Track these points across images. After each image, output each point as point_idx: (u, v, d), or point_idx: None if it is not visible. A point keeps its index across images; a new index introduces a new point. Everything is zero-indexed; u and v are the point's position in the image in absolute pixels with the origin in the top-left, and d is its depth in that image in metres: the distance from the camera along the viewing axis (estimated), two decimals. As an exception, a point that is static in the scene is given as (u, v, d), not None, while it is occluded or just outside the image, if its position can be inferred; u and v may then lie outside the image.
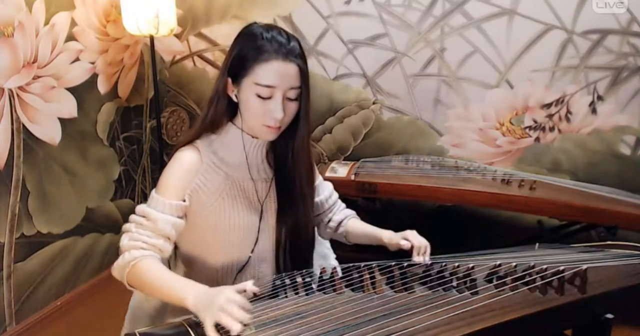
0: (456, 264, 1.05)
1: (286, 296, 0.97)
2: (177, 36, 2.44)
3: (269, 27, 1.01)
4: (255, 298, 0.99)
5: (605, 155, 2.08)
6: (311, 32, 2.28)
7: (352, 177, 1.95)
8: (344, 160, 2.35)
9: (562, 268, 1.00)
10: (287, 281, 1.01)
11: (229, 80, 1.02)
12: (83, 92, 2.11)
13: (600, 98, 2.04)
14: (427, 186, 1.85)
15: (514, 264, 1.03)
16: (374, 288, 0.99)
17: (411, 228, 1.15)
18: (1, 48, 1.71)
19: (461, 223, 2.30)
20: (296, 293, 0.97)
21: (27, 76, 1.82)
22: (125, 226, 1.01)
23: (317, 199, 1.23)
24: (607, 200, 1.79)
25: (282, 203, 1.12)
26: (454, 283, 0.99)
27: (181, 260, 1.15)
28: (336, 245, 1.39)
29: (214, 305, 0.80)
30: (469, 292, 0.97)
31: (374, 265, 1.05)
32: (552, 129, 2.12)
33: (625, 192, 1.90)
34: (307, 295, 0.97)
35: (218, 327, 0.79)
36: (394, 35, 2.19)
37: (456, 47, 2.13)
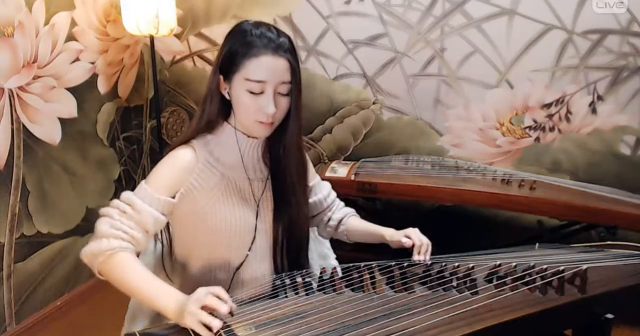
0: (456, 264, 1.05)
1: (286, 296, 0.97)
2: (177, 36, 2.44)
3: (258, 24, 1.02)
4: (255, 298, 0.99)
5: (605, 155, 2.08)
6: (311, 32, 2.27)
7: (352, 177, 1.95)
8: (344, 160, 2.35)
9: (562, 268, 1.00)
10: (287, 281, 1.01)
11: (221, 77, 1.02)
12: (83, 92, 2.11)
13: (600, 98, 2.04)
14: (427, 186, 1.85)
15: (514, 264, 1.03)
16: (374, 288, 0.99)
17: (412, 227, 1.15)
18: (1, 48, 1.71)
19: (461, 223, 2.30)
20: (296, 293, 0.98)
21: (27, 76, 1.82)
22: (107, 210, 0.98)
23: (315, 198, 1.23)
24: (607, 200, 1.79)
25: (277, 202, 1.12)
26: (454, 283, 0.99)
27: (178, 259, 1.14)
28: (336, 245, 1.39)
29: (190, 304, 0.81)
30: (469, 292, 0.97)
31: (374, 265, 1.05)
32: (552, 129, 2.12)
33: (625, 192, 1.90)
34: (307, 295, 0.97)
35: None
36: (394, 35, 2.19)
37: (456, 47, 2.13)
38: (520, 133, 2.17)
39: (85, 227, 2.15)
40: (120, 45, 2.33)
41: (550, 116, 2.11)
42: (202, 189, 1.03)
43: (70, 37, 2.03)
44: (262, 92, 0.98)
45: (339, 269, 1.06)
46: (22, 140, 1.84)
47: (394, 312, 0.89)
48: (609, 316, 1.02)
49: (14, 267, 1.85)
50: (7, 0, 1.72)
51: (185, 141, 1.05)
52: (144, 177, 1.04)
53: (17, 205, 1.84)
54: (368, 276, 1.01)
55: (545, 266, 1.02)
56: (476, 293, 0.97)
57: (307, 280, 1.00)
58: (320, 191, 1.25)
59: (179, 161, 1.02)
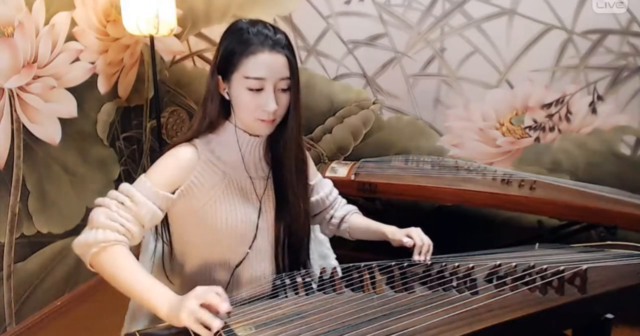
0: (456, 264, 1.05)
1: (286, 296, 0.97)
2: (177, 36, 2.44)
3: (254, 22, 1.01)
4: (255, 298, 0.99)
5: (605, 155, 2.08)
6: (311, 32, 2.27)
7: (352, 177, 1.95)
8: (344, 160, 2.35)
9: (562, 268, 1.00)
10: (287, 281, 1.01)
11: (219, 78, 1.02)
12: (83, 92, 2.11)
13: (600, 98, 2.04)
14: (427, 186, 1.85)
15: (514, 264, 1.03)
16: (374, 288, 0.99)
17: (414, 227, 1.15)
18: (1, 48, 1.71)
19: (461, 223, 2.30)
20: (296, 293, 0.98)
21: (27, 76, 1.82)
22: (104, 200, 0.96)
23: (317, 197, 1.23)
24: (607, 200, 1.79)
25: (279, 200, 1.12)
26: (454, 283, 0.99)
27: (177, 258, 1.14)
28: (336, 245, 1.39)
29: (189, 301, 0.80)
30: (469, 292, 0.97)
31: (374, 265, 1.05)
32: (552, 129, 2.12)
33: (625, 192, 1.90)
34: (307, 295, 0.97)
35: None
36: (394, 35, 2.19)
37: (456, 47, 2.13)
38: (520, 133, 2.17)
39: (84, 228, 2.15)
40: (120, 45, 2.33)
41: (550, 116, 2.11)
42: (203, 187, 1.03)
43: (70, 37, 2.03)
44: (261, 89, 0.98)
45: (339, 269, 1.06)
46: (22, 140, 1.84)
47: (394, 312, 0.89)
48: (609, 316, 1.03)
49: (14, 267, 1.85)
50: (7, 0, 1.72)
51: (187, 140, 1.05)
52: (144, 176, 1.03)
53: (17, 205, 1.84)
54: (368, 276, 1.01)
55: (545, 266, 1.02)
56: (476, 293, 0.97)
57: (307, 280, 1.00)
58: (322, 189, 1.25)
59: (181, 158, 1.02)
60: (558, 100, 2.09)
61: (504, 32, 2.06)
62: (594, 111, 2.06)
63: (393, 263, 1.05)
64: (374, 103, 2.30)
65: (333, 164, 2.17)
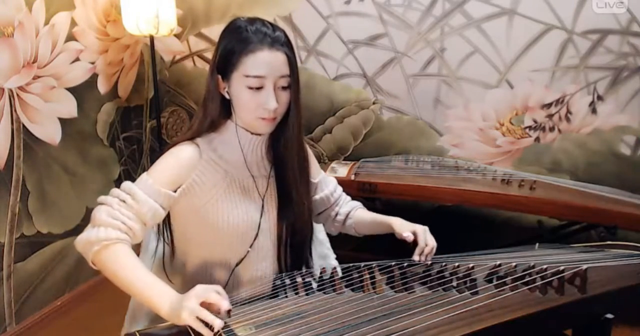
0: (456, 264, 1.05)
1: (286, 296, 0.97)
2: (177, 36, 2.44)
3: (252, 20, 1.01)
4: (255, 298, 0.99)
5: (605, 155, 2.08)
6: (311, 32, 2.27)
7: (352, 177, 1.95)
8: (344, 160, 2.35)
9: (562, 268, 1.00)
10: (287, 281, 1.01)
11: (219, 77, 1.02)
12: (83, 92, 2.11)
13: (600, 98, 2.04)
14: (427, 186, 1.85)
15: (514, 264, 1.03)
16: (374, 288, 0.99)
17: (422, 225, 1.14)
18: (1, 48, 1.71)
19: (461, 223, 2.30)
20: (296, 293, 0.98)
21: (27, 76, 1.82)
22: (106, 199, 0.96)
23: (322, 194, 1.23)
24: (607, 200, 1.79)
25: (281, 199, 1.11)
26: (454, 283, 0.99)
27: (178, 256, 1.14)
28: (336, 245, 1.39)
29: (189, 299, 0.80)
30: (469, 292, 0.97)
31: (374, 265, 1.05)
32: (552, 129, 2.12)
33: (625, 192, 1.90)
34: (307, 295, 0.97)
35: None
36: (394, 35, 2.19)
37: (456, 47, 2.13)
38: (520, 133, 2.17)
39: (85, 227, 2.15)
40: (120, 45, 2.33)
41: (550, 116, 2.11)
42: (205, 186, 1.03)
43: (70, 37, 2.03)
44: (261, 88, 0.98)
45: (339, 269, 1.06)
46: (22, 140, 1.84)
47: (394, 312, 0.89)
48: (609, 316, 1.03)
49: (14, 267, 1.85)
50: (7, 0, 1.72)
51: (189, 139, 1.05)
52: (144, 177, 1.03)
53: (17, 205, 1.84)
54: (368, 276, 1.01)
55: (545, 266, 1.02)
56: (476, 293, 0.97)
57: (307, 280, 1.00)
58: (327, 186, 1.24)
59: (183, 157, 1.01)
60: (558, 100, 2.09)
61: (504, 32, 2.06)
62: (594, 111, 2.06)
63: (393, 263, 1.05)
64: (374, 103, 2.30)
65: (333, 164, 2.17)
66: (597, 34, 1.97)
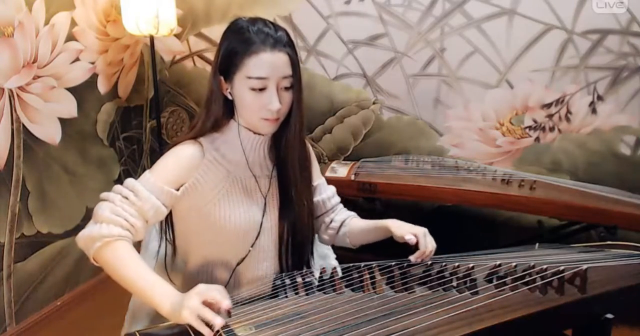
0: (456, 264, 1.05)
1: (286, 296, 0.97)
2: (177, 36, 2.44)
3: (254, 20, 1.01)
4: (255, 298, 0.99)
5: (605, 155, 2.08)
6: (311, 32, 2.27)
7: (352, 177, 1.95)
8: (344, 160, 2.35)
9: (562, 268, 1.00)
10: (287, 281, 1.01)
11: (222, 78, 1.02)
12: (83, 92, 2.11)
13: (600, 98, 2.04)
14: (427, 186, 1.85)
15: (514, 264, 1.03)
16: (374, 288, 0.99)
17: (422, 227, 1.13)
18: (1, 48, 1.71)
19: (461, 223, 2.30)
20: (296, 293, 0.98)
21: (27, 76, 1.82)
22: (108, 195, 0.96)
23: (319, 198, 1.22)
24: (607, 200, 1.79)
25: (283, 198, 1.11)
26: (454, 283, 0.99)
27: (179, 255, 1.14)
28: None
29: (191, 298, 0.80)
30: (469, 292, 0.97)
31: (374, 265, 1.05)
32: (552, 129, 2.12)
33: (625, 192, 1.90)
34: (307, 295, 0.97)
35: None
36: (394, 35, 2.19)
37: (456, 47, 2.13)
38: (520, 133, 2.17)
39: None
40: (120, 45, 2.33)
41: (550, 116, 2.11)
42: (207, 185, 1.03)
43: (70, 37, 2.03)
44: (264, 89, 0.98)
45: (339, 269, 1.06)
46: (22, 140, 1.84)
47: (394, 312, 0.89)
48: (609, 316, 1.02)
49: (14, 267, 1.85)
50: (7, 0, 1.72)
51: (192, 138, 1.04)
52: (144, 177, 1.03)
53: (17, 205, 1.84)
54: (368, 276, 1.01)
55: (545, 266, 1.02)
56: (476, 293, 0.97)
57: (307, 280, 1.00)
58: (325, 191, 1.24)
59: (186, 155, 1.02)
60: (558, 100, 2.09)
61: (504, 32, 2.06)
62: (594, 111, 2.06)
63: (393, 263, 1.05)
64: (374, 103, 2.30)
65: (333, 164, 2.17)
66: (597, 34, 1.97)
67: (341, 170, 2.05)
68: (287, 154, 1.09)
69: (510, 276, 1.00)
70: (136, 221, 0.94)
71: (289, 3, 2.26)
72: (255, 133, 1.06)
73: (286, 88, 1.00)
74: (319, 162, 2.36)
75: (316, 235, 1.30)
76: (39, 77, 1.87)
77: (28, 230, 1.90)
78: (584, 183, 1.94)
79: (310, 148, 1.19)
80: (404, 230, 1.09)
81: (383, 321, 0.85)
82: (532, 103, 2.12)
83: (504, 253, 1.23)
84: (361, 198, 2.03)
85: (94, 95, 2.20)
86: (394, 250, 1.14)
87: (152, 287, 0.87)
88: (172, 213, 1.08)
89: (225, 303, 0.80)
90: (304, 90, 1.04)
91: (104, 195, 0.97)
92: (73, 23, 2.04)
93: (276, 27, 1.00)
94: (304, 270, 1.06)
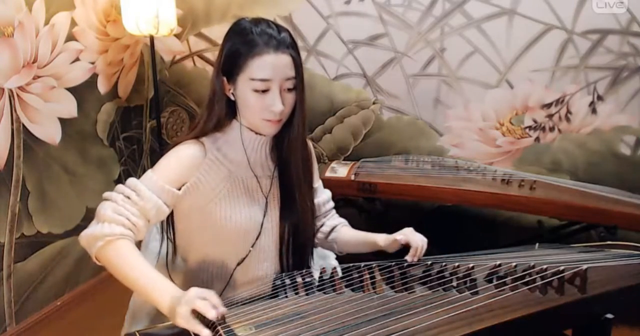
0: (456, 264, 1.05)
1: (286, 296, 0.97)
2: (177, 36, 2.44)
3: (257, 21, 1.00)
4: (255, 298, 0.99)
5: (605, 155, 2.08)
6: (311, 32, 2.27)
7: (352, 177, 1.95)
8: (344, 160, 2.35)
9: (562, 268, 1.00)
10: (287, 281, 1.01)
11: (224, 79, 1.02)
12: (83, 92, 2.11)
13: (600, 98, 2.04)
14: (427, 186, 1.85)
15: (514, 264, 1.03)
16: (374, 288, 0.99)
17: (407, 227, 1.14)
18: (1, 48, 1.71)
19: (461, 223, 2.30)
20: (296, 293, 0.98)
21: (27, 76, 1.82)
22: (111, 195, 0.96)
23: (316, 200, 1.23)
24: (607, 200, 1.79)
25: (284, 199, 1.11)
26: (454, 283, 0.99)
27: (179, 253, 1.14)
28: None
29: (182, 306, 0.80)
30: (469, 292, 0.97)
31: (374, 265, 1.05)
32: (552, 129, 2.12)
33: (625, 192, 1.89)
34: (307, 295, 0.97)
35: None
36: (394, 35, 2.19)
37: (456, 47, 2.13)
38: (520, 133, 2.17)
39: (85, 227, 2.15)
40: (120, 45, 2.33)
41: (550, 116, 2.11)
42: (208, 185, 1.03)
43: (70, 37, 2.03)
44: (267, 90, 0.98)
45: (339, 269, 1.06)
46: (22, 140, 1.84)
47: (394, 312, 0.89)
48: (609, 316, 1.02)
49: (14, 267, 1.85)
50: (7, 0, 1.72)
51: (194, 138, 1.04)
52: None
53: (17, 205, 1.84)
54: (368, 276, 1.01)
55: (545, 266, 1.02)
56: (476, 293, 0.97)
57: (307, 280, 1.00)
58: (321, 195, 1.24)
59: (187, 155, 1.02)
60: (558, 100, 2.09)
61: (504, 32, 2.06)
62: (594, 111, 2.06)
63: (393, 263, 1.05)
64: (374, 103, 2.30)
65: (333, 164, 2.17)
66: (597, 34, 1.97)
67: (341, 170, 2.05)
68: (290, 155, 1.09)
69: (510, 276, 1.00)
70: (138, 220, 0.95)
71: (289, 3, 2.26)
72: (257, 133, 1.06)
73: (289, 90, 1.00)
74: (319, 162, 2.38)
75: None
76: (39, 77, 1.87)
77: (28, 230, 1.90)
78: (584, 183, 1.94)
79: (312, 149, 1.19)
80: (391, 238, 1.11)
81: (383, 321, 0.85)
82: (532, 103, 2.12)
83: (504, 253, 1.23)
84: (361, 198, 2.03)
85: (94, 95, 2.20)
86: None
87: (152, 285, 0.87)
88: (173, 212, 1.08)
89: (211, 314, 0.79)
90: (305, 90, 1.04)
91: (106, 194, 0.97)
92: (73, 23, 2.04)
93: (279, 28, 1.00)
94: (304, 270, 1.06)
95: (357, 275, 1.01)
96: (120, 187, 0.98)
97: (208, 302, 0.80)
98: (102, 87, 2.24)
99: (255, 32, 0.98)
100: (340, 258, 1.33)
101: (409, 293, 0.97)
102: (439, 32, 2.14)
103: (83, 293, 2.17)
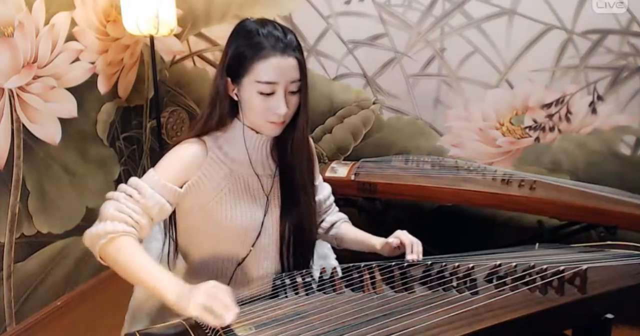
0: (456, 264, 1.05)
1: (286, 296, 0.97)
2: (177, 36, 2.44)
3: (263, 22, 1.00)
4: (255, 298, 0.99)
5: (605, 155, 2.08)
6: (311, 32, 2.28)
7: (352, 177, 1.95)
8: (344, 160, 2.35)
9: (562, 268, 1.00)
10: (287, 281, 1.01)
11: (229, 80, 1.02)
12: (83, 92, 2.11)
13: (600, 98, 2.04)
14: (427, 186, 1.85)
15: (514, 264, 1.03)
16: (374, 288, 0.99)
17: (411, 228, 1.15)
18: (1, 48, 1.71)
19: (461, 223, 2.30)
20: (296, 293, 0.98)
21: (27, 76, 1.82)
22: (113, 194, 0.97)
23: (317, 198, 1.23)
24: (607, 200, 1.79)
25: (285, 198, 1.11)
26: (454, 283, 0.99)
27: (180, 252, 1.15)
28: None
29: (198, 291, 0.80)
30: (469, 292, 0.97)
31: (374, 265, 1.05)
32: (552, 129, 2.12)
33: (625, 192, 1.90)
34: (307, 295, 0.97)
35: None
36: (394, 35, 2.19)
37: (456, 47, 2.13)
38: (520, 133, 2.17)
39: (86, 227, 2.13)
40: (120, 45, 2.33)
41: (550, 116, 2.11)
42: (210, 183, 1.03)
43: (70, 37, 2.03)
44: (272, 93, 0.98)
45: (339, 269, 1.06)
46: (22, 140, 1.84)
47: (394, 312, 0.89)
48: (609, 316, 1.02)
49: (14, 267, 1.85)
50: (7, 0, 1.72)
51: (196, 136, 1.05)
52: (144, 177, 1.03)
53: (17, 205, 1.84)
54: (368, 276, 1.01)
55: (545, 266, 1.02)
56: (476, 293, 0.97)
57: (307, 280, 1.00)
58: (321, 191, 1.25)
59: (189, 153, 1.02)
60: (558, 100, 2.09)
61: (504, 32, 2.06)
62: (594, 111, 2.06)
63: (393, 263, 1.05)
64: (374, 103, 2.30)
65: (333, 164, 2.17)
66: (597, 34, 1.97)
67: (341, 170, 2.05)
68: (294, 156, 1.09)
69: (510, 276, 1.00)
70: (140, 218, 0.95)
71: (289, 3, 2.26)
72: (258, 132, 1.06)
73: (293, 92, 1.00)
74: (319, 162, 2.37)
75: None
76: (39, 77, 1.87)
77: (28, 230, 1.90)
78: (584, 183, 1.94)
79: (314, 148, 1.20)
80: (384, 240, 1.14)
81: (383, 321, 0.85)
82: (532, 103, 2.12)
83: (504, 253, 1.23)
84: (361, 198, 2.03)
85: (94, 95, 2.20)
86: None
87: (157, 278, 0.87)
88: (175, 211, 1.08)
89: (228, 319, 0.78)
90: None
91: (109, 194, 0.98)
92: (73, 23, 2.04)
93: (285, 30, 0.99)
94: (304, 270, 1.06)
95: (357, 275, 1.01)
96: (122, 186, 0.98)
97: (220, 303, 0.79)
98: (102, 87, 2.24)
99: (262, 34, 0.97)
100: (340, 258, 1.33)
101: (409, 293, 0.97)
102: (439, 32, 2.14)
103: (83, 293, 2.17)
